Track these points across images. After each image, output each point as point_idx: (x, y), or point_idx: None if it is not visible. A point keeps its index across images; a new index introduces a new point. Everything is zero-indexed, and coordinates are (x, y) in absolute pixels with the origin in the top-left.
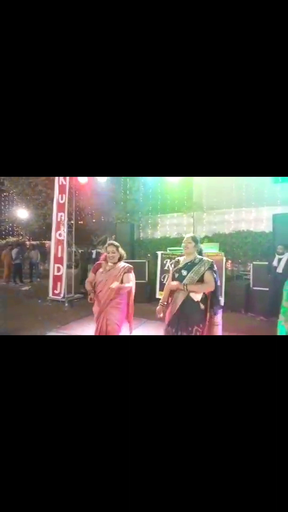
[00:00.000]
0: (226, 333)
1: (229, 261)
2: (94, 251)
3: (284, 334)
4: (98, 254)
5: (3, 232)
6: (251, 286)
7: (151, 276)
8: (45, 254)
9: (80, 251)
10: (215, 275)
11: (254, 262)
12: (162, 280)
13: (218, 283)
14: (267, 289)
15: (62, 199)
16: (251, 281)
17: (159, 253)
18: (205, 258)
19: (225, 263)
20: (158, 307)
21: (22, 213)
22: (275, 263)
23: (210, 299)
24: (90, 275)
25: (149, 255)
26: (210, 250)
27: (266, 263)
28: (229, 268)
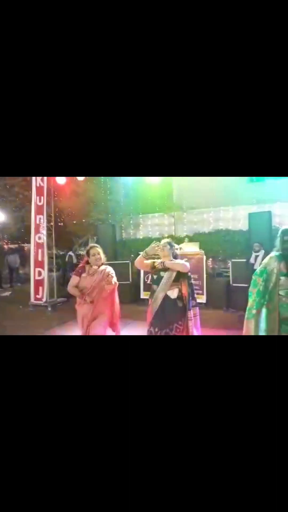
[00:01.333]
0: (208, 328)
1: (210, 259)
2: (70, 253)
3: (254, 323)
4: (70, 257)
5: None
6: (231, 282)
7: (134, 276)
8: (24, 258)
9: (60, 253)
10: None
11: (233, 260)
12: (146, 280)
13: (192, 281)
14: (247, 285)
15: (40, 201)
16: (230, 278)
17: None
18: (178, 260)
19: (206, 261)
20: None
21: None
22: (252, 260)
23: (186, 296)
24: (74, 278)
25: (132, 255)
26: (191, 249)
27: (244, 260)
28: (210, 266)
